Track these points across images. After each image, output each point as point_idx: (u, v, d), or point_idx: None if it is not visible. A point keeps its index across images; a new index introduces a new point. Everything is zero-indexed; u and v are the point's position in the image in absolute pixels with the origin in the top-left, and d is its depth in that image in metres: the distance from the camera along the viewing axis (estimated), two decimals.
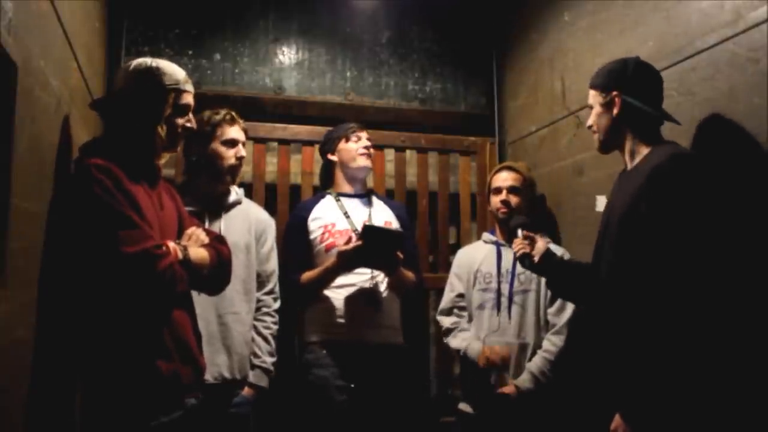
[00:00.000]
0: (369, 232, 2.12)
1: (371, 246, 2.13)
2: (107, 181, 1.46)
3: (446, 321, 2.42)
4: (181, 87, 1.63)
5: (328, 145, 2.47)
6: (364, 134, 2.43)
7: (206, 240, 1.68)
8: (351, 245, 2.14)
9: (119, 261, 1.42)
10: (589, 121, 1.78)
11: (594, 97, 1.75)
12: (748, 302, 1.56)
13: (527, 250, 1.94)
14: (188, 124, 1.67)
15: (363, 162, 2.40)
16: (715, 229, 1.53)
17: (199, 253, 1.61)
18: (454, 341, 2.36)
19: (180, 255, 1.54)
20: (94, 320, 1.49)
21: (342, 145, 2.41)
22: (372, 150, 2.46)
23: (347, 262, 2.18)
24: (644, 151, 1.67)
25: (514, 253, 1.99)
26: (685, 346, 1.46)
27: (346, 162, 2.41)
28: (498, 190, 2.36)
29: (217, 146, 2.13)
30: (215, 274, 1.67)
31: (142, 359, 1.49)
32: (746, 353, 1.55)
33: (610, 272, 1.67)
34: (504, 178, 2.37)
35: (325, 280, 2.26)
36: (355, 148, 2.39)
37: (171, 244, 1.54)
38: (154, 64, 1.62)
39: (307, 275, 2.29)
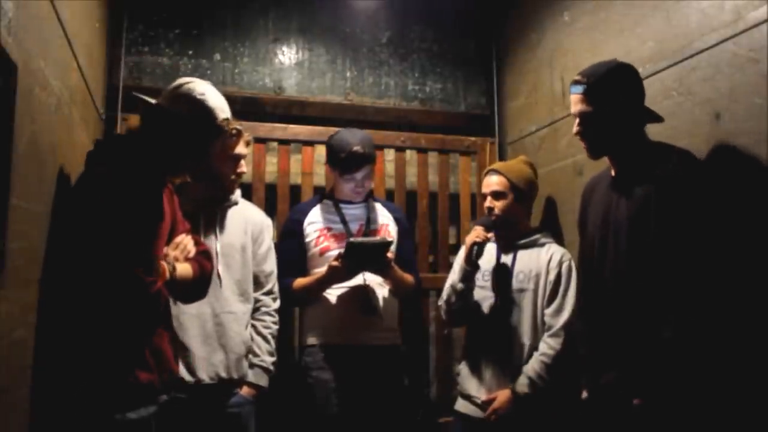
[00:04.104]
0: (353, 248, 2.13)
1: (359, 259, 2.17)
2: (116, 191, 1.49)
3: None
4: (225, 128, 1.65)
5: (328, 160, 2.39)
6: (359, 174, 2.30)
7: (193, 251, 1.72)
8: (341, 261, 2.16)
9: (114, 276, 1.46)
10: (576, 129, 1.77)
11: (579, 104, 1.73)
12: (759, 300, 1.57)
13: (480, 239, 2.21)
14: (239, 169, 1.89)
15: (353, 197, 2.39)
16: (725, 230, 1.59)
17: (184, 270, 1.67)
18: (444, 292, 2.36)
19: (168, 275, 1.59)
20: (81, 323, 1.51)
21: (337, 178, 2.36)
22: (368, 183, 2.39)
23: (338, 275, 2.20)
24: (634, 153, 1.72)
25: (476, 244, 2.22)
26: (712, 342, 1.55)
27: (339, 185, 2.39)
28: (485, 196, 2.36)
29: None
30: (193, 288, 1.73)
31: (120, 366, 1.52)
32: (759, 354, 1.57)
33: (622, 281, 1.70)
34: (488, 184, 2.35)
35: (317, 289, 2.27)
36: (348, 186, 2.35)
37: (163, 264, 1.59)
38: (206, 102, 1.60)
39: (300, 282, 2.29)
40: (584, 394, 1.88)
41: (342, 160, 2.28)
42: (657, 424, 1.57)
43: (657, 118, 1.73)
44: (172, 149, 1.61)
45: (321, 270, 2.25)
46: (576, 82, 1.74)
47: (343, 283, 2.25)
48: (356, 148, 2.27)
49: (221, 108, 1.64)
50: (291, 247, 2.35)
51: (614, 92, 1.69)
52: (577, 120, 1.75)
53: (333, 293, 2.27)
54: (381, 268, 2.23)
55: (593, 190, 1.92)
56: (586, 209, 1.93)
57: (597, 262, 1.80)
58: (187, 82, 1.63)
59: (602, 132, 1.72)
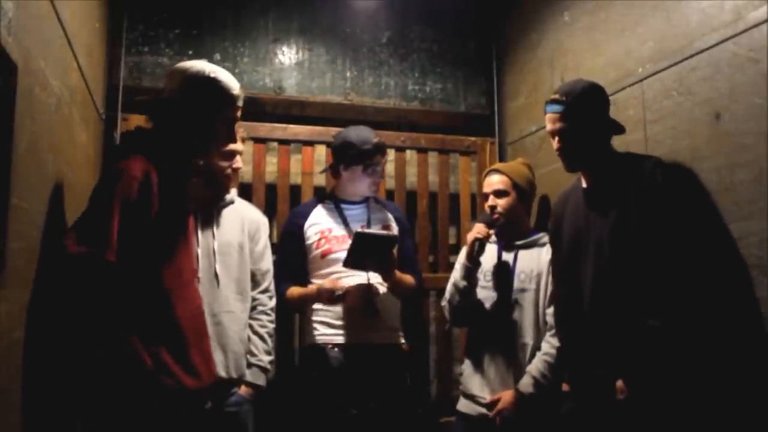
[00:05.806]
0: (361, 238, 2.13)
1: (365, 252, 2.15)
2: (137, 182, 1.48)
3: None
4: (237, 103, 1.68)
5: (343, 159, 2.34)
6: (380, 167, 2.36)
7: None
8: (336, 287, 2.19)
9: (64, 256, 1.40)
10: (556, 145, 1.85)
11: (557, 122, 1.82)
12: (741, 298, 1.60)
13: (482, 235, 2.21)
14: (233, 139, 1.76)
15: (369, 192, 2.40)
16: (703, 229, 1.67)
17: None
18: (447, 291, 2.37)
19: None
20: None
21: (357, 172, 2.34)
22: (382, 176, 2.42)
23: (323, 298, 2.21)
24: (606, 164, 1.82)
25: (478, 240, 2.22)
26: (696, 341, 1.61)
27: (353, 184, 2.37)
28: (487, 196, 2.37)
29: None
30: None
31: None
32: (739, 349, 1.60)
33: (606, 286, 1.75)
34: (489, 183, 2.37)
35: (305, 304, 2.29)
36: (368, 181, 2.35)
37: None
38: (213, 75, 1.63)
39: (291, 293, 2.30)
40: (565, 387, 2.03)
41: (367, 152, 2.31)
42: (644, 413, 1.61)
43: (620, 130, 1.85)
44: (194, 125, 1.63)
45: (314, 286, 2.26)
46: (553, 101, 1.83)
47: (346, 282, 2.25)
48: (376, 138, 2.34)
49: (234, 81, 1.70)
50: (291, 250, 2.35)
51: (590, 109, 1.80)
52: (557, 137, 1.84)
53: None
54: (384, 265, 2.22)
55: (566, 203, 1.98)
56: (560, 223, 1.98)
57: (576, 270, 1.85)
58: (193, 65, 1.66)
59: (580, 147, 1.82)
